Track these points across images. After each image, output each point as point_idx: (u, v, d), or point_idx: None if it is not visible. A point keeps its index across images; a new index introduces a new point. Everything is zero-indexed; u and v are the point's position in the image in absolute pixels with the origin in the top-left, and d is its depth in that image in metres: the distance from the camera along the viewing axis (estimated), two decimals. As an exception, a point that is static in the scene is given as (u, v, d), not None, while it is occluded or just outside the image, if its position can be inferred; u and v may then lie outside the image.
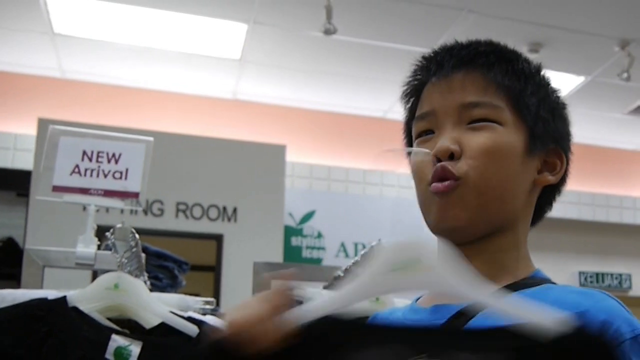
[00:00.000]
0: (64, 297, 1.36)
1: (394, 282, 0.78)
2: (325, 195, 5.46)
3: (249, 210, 4.73)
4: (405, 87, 1.00)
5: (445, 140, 0.89)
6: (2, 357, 1.25)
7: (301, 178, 5.41)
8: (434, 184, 0.89)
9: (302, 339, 0.82)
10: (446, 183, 0.88)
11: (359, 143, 5.69)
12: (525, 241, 0.95)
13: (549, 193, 0.98)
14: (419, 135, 0.95)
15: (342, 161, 5.61)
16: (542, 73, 0.97)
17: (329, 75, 5.11)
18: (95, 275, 2.60)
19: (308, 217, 5.35)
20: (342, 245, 5.38)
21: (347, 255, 5.30)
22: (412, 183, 0.96)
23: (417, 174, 0.94)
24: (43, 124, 4.25)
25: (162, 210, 4.57)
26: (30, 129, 4.53)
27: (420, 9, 4.13)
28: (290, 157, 5.09)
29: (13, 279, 3.84)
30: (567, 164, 0.97)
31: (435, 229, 0.90)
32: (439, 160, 0.89)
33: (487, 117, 0.90)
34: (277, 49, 4.70)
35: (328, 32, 3.96)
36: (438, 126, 0.92)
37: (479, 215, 0.89)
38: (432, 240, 0.85)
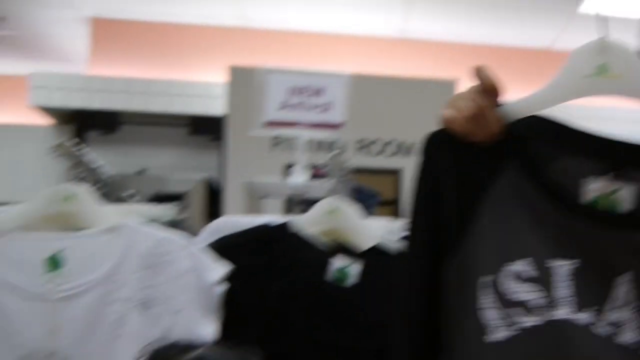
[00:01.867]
0: (286, 223, 1.44)
1: (588, 87, 0.88)
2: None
3: (424, 145, 4.74)
4: None
5: None
6: (242, 273, 1.35)
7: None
8: None
9: (506, 135, 0.87)
10: None
11: (525, 76, 5.53)
12: None
13: None
14: None
15: (509, 94, 5.46)
16: None
17: (494, 8, 4.94)
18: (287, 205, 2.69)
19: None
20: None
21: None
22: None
23: None
24: (235, 71, 4.49)
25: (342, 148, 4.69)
26: (218, 77, 4.74)
27: None
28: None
29: (212, 216, 4.11)
30: None
31: None
32: None
33: None
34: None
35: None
36: None
37: None
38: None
